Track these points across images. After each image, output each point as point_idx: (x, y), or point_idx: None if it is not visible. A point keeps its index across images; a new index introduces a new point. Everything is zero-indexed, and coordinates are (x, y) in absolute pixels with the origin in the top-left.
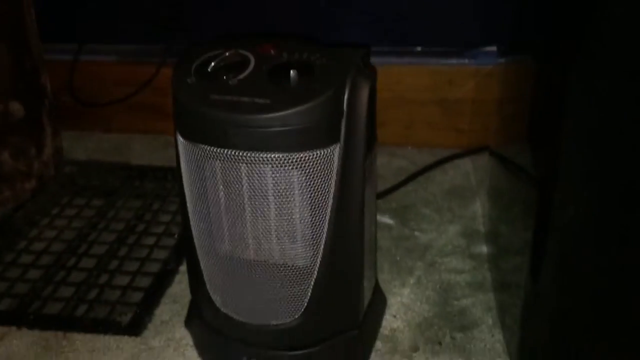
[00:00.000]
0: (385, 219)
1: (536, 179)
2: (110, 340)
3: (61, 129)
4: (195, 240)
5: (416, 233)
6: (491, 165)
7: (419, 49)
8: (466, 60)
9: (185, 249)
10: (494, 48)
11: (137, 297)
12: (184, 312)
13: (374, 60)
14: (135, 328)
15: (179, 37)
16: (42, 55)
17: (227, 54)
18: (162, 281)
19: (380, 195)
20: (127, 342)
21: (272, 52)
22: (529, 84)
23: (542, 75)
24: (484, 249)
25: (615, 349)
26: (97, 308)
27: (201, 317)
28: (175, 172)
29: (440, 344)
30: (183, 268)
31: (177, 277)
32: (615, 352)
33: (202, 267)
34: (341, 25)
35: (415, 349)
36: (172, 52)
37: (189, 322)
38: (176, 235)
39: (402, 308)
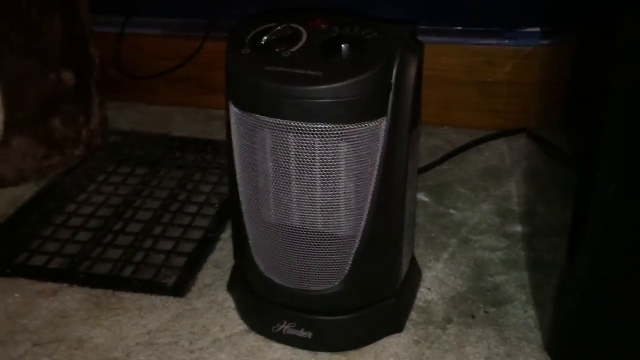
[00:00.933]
0: (421, 197)
1: (576, 161)
2: (157, 300)
3: (107, 99)
4: (243, 207)
5: (451, 211)
6: (529, 147)
7: (458, 28)
8: (506, 41)
9: (231, 215)
10: (536, 29)
11: (180, 261)
12: (226, 277)
13: None
14: (179, 290)
15: (224, 12)
16: (92, 27)
17: (280, 27)
18: (204, 247)
19: (417, 173)
20: (172, 303)
21: (323, 26)
22: (571, 66)
23: (585, 56)
24: (518, 228)
25: None
26: (143, 270)
27: (244, 281)
28: (225, 142)
29: (473, 317)
30: (224, 236)
31: (219, 245)
32: None
33: (247, 232)
34: (382, 3)
35: (449, 321)
36: (216, 27)
37: (231, 287)
38: (217, 205)
39: (437, 282)
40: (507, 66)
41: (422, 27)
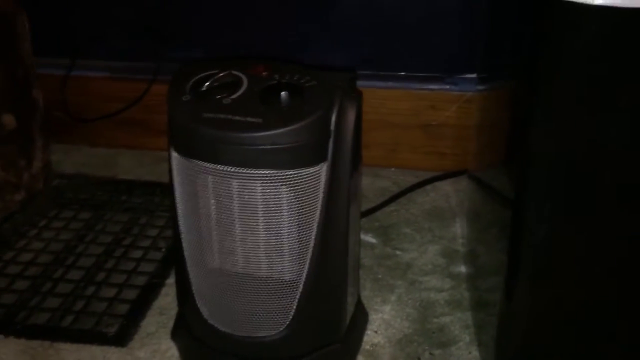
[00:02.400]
0: (368, 238)
1: (510, 202)
2: (97, 350)
3: (51, 142)
4: (185, 252)
5: (397, 252)
6: (470, 188)
7: (402, 74)
8: (448, 86)
9: (174, 261)
10: (474, 75)
11: (123, 308)
12: (170, 324)
13: (359, 83)
14: (121, 339)
15: (170, 55)
16: (35, 69)
17: (221, 74)
18: (148, 293)
19: (364, 214)
20: (113, 353)
21: (264, 73)
22: (506, 111)
23: (515, 101)
24: (462, 268)
25: None
26: (83, 319)
27: (188, 328)
28: (169, 185)
29: (419, 359)
30: (169, 281)
31: (164, 290)
32: None
33: (190, 278)
34: (327, 49)
35: None
36: (163, 70)
37: (175, 334)
38: (163, 249)
39: (383, 324)
40: (449, 110)
41: (368, 72)
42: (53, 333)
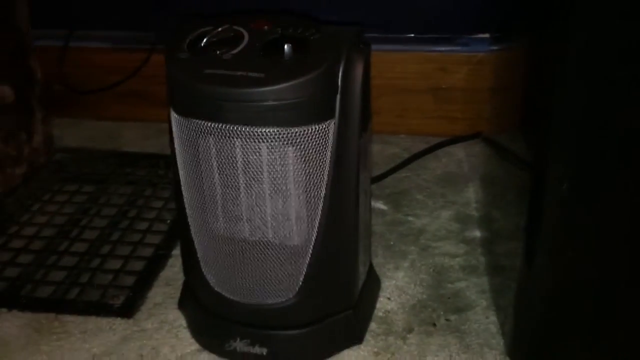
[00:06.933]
0: (379, 205)
1: (529, 164)
2: (103, 322)
3: (53, 116)
4: (189, 220)
5: (410, 218)
6: (484, 152)
7: (411, 35)
8: (458, 47)
9: (179, 229)
10: (486, 35)
11: (129, 280)
12: (177, 294)
13: None
14: (127, 310)
15: (170, 24)
16: (32, 40)
17: (220, 29)
18: (154, 265)
19: (374, 181)
20: (119, 324)
21: (265, 27)
22: (521, 71)
23: (534, 61)
24: (477, 233)
25: (608, 330)
26: (89, 291)
27: (195, 298)
28: (170, 149)
29: (434, 325)
30: (176, 252)
31: (170, 261)
32: (608, 333)
33: (196, 246)
34: (332, 11)
35: (410, 330)
36: (163, 38)
37: (182, 304)
38: (168, 221)
39: (396, 291)
40: (460, 72)
41: (375, 34)
42: (58, 305)
